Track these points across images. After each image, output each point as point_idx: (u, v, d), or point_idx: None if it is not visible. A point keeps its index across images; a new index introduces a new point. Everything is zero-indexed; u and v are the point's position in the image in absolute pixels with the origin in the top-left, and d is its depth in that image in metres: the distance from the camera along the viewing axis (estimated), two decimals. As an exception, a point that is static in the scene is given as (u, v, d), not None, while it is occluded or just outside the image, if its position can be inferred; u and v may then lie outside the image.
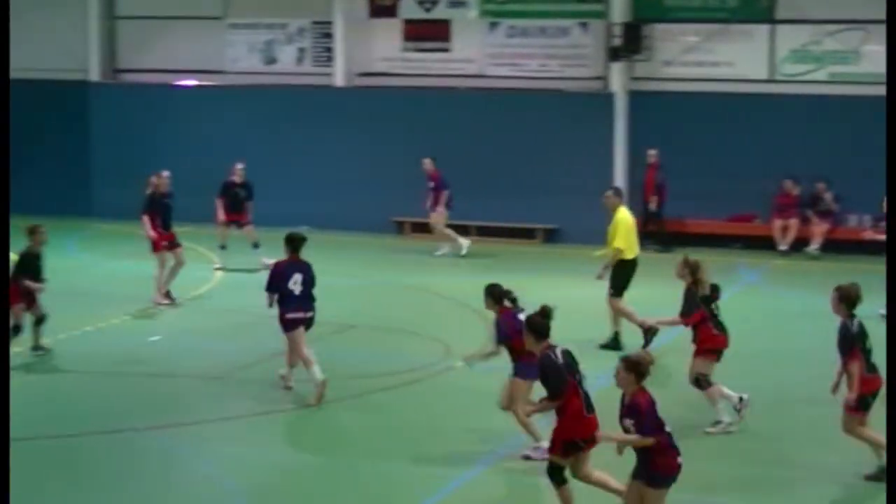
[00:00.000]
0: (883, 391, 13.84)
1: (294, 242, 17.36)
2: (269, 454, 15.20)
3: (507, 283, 14.95)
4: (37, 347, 19.35)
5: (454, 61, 32.10)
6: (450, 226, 28.74)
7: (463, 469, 14.44)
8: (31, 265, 19.27)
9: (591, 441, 12.19)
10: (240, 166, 26.82)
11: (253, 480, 14.25)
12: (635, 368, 11.21)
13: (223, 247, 26.55)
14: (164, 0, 34.02)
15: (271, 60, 33.34)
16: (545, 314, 12.71)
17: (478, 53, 32.00)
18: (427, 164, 28.49)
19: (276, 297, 16.94)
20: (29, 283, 19.02)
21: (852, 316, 13.85)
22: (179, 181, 27.25)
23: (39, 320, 19.26)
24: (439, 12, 31.95)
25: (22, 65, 34.05)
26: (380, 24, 32.45)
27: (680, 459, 11.35)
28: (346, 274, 25.48)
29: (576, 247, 28.75)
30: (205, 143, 32.39)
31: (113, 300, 23.34)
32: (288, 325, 16.95)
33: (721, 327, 15.95)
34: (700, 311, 15.84)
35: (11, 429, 15.81)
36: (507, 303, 14.50)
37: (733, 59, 29.85)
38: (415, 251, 28.92)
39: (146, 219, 23.44)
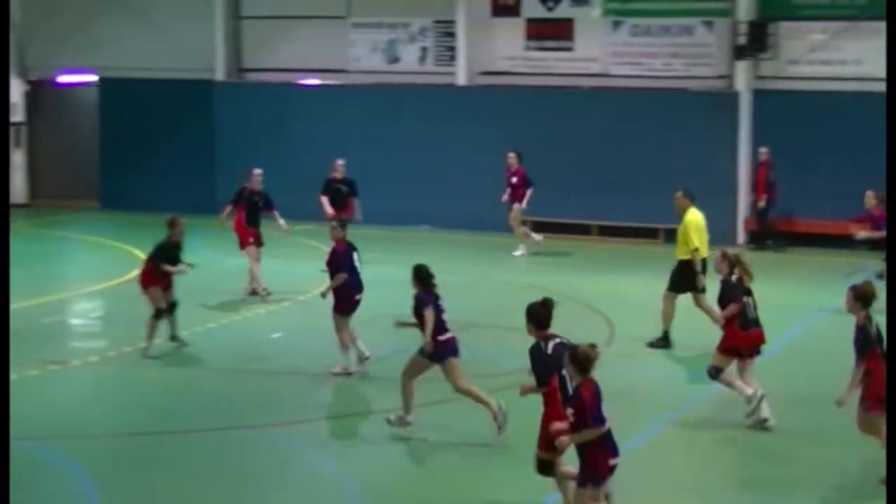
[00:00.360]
0: None
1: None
2: (386, 453, 15.19)
3: (625, 282, 14.82)
4: (174, 338, 19.70)
5: (577, 60, 31.95)
6: (570, 225, 28.61)
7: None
8: (170, 254, 19.61)
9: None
10: (340, 162, 26.72)
11: (369, 479, 14.24)
12: (579, 363, 11.32)
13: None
14: (288, 0, 34.29)
15: (394, 59, 33.44)
16: (546, 305, 12.82)
17: (600, 52, 31.82)
18: (511, 158, 28.36)
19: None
20: (167, 267, 19.34)
21: (869, 317, 13.75)
22: (301, 179, 27.53)
23: (171, 307, 19.54)
24: (562, 11, 31.82)
25: (150, 65, 34.61)
26: (502, 23, 32.41)
27: (614, 461, 11.36)
28: (465, 272, 25.46)
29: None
30: (327, 142, 32.55)
31: (235, 297, 23.55)
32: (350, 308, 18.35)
33: (749, 324, 15.91)
34: (731, 305, 15.88)
35: (136, 421, 16.17)
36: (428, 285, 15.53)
37: (861, 57, 29.35)
38: (538, 249, 28.78)
39: (234, 214, 23.88)
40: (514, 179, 28.36)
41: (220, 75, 34.55)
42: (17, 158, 36.79)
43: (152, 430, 15.90)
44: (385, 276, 21.87)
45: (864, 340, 13.64)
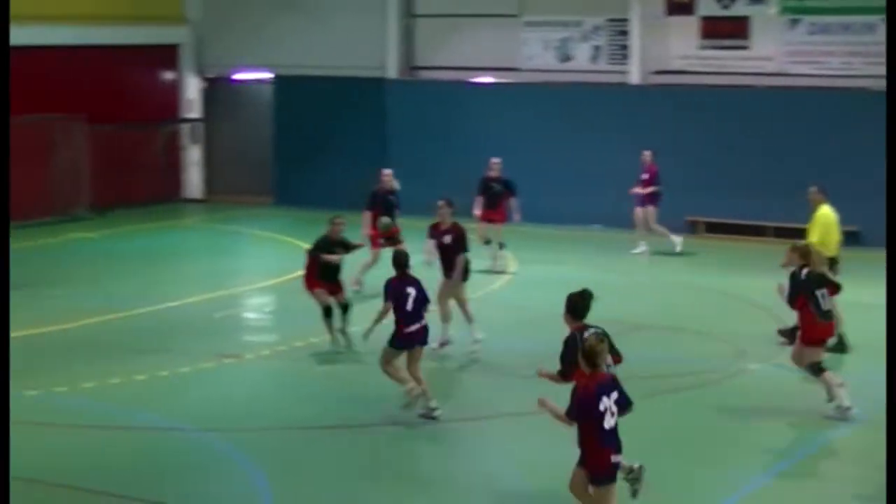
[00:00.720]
0: None
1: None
2: (552, 453, 15.07)
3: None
4: (342, 333, 19.88)
5: (752, 59, 31.44)
6: (745, 226, 28.15)
7: (749, 477, 14.08)
8: (328, 249, 19.75)
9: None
10: (495, 160, 26.55)
11: (533, 479, 14.16)
12: (587, 356, 11.32)
13: (487, 242, 26.12)
14: (461, -2, 34.42)
15: (566, 58, 33.28)
16: (584, 295, 12.87)
17: (777, 51, 31.27)
18: (646, 156, 27.97)
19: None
20: (326, 256, 19.53)
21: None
22: (472, 178, 27.48)
23: (345, 308, 19.68)
24: (738, 9, 31.34)
25: (323, 62, 34.94)
26: (676, 22, 32.03)
27: (615, 458, 11.28)
28: (636, 273, 25.23)
29: (876, 250, 27.77)
30: (498, 141, 32.53)
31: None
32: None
33: (823, 315, 16.04)
34: (801, 297, 16.03)
35: (306, 416, 16.29)
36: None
37: None
38: (707, 251, 28.43)
39: (368, 215, 23.81)
40: (646, 176, 27.98)
41: (392, 73, 34.73)
42: (194, 155, 37.45)
43: (321, 425, 16.00)
44: (564, 276, 21.75)
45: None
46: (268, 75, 36.32)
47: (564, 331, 15.31)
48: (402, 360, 16.08)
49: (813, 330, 16.02)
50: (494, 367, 18.67)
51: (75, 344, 19.91)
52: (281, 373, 18.58)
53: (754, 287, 23.52)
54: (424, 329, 16.15)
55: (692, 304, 23.57)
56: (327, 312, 19.43)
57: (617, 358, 12.79)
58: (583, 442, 11.35)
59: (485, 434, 15.83)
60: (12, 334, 20.21)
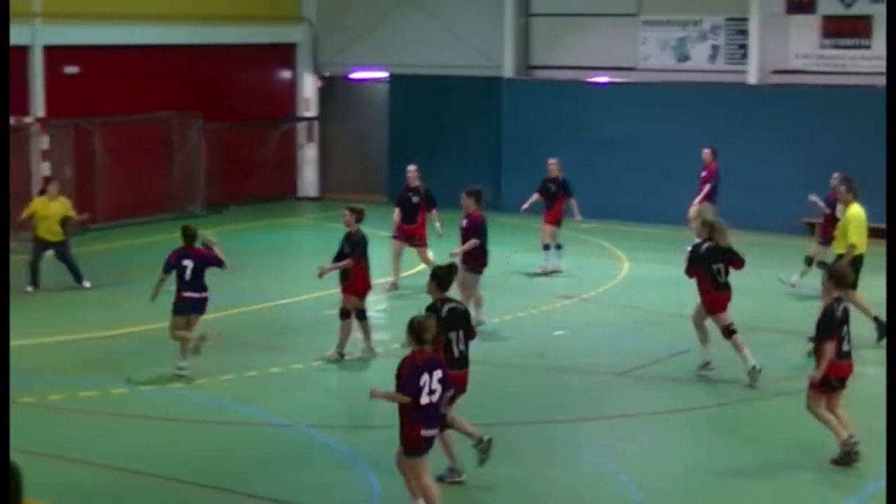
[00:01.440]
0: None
1: None
2: (666, 452, 14.93)
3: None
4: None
5: (874, 59, 30.87)
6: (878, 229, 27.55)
7: (871, 483, 13.79)
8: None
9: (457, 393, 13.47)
10: (552, 161, 26.28)
11: (649, 479, 14.01)
12: (415, 332, 11.98)
13: (546, 246, 25.75)
14: (578, -3, 34.23)
15: (684, 58, 32.94)
16: (451, 268, 13.95)
17: (900, 51, 30.67)
18: (706, 154, 27.52)
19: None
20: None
21: (838, 299, 14.17)
22: (588, 176, 27.35)
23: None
24: (860, 8, 30.80)
25: (439, 62, 34.95)
26: (797, 21, 31.57)
27: (426, 432, 11.84)
28: (752, 274, 24.87)
29: None
30: (614, 141, 32.38)
31: (520, 294, 23.55)
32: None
33: (718, 287, 17.38)
34: (695, 268, 17.41)
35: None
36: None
37: None
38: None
39: (396, 213, 24.06)
40: (704, 173, 27.54)
41: (508, 72, 34.63)
42: (310, 153, 37.65)
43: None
44: (675, 276, 21.53)
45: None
46: (383, 74, 36.41)
47: (675, 331, 15.15)
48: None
49: (711, 300, 17.41)
50: (605, 367, 18.51)
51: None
52: (390, 370, 18.51)
53: (867, 289, 23.09)
54: (204, 301, 18.06)
55: (800, 307, 23.20)
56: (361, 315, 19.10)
57: (470, 333, 13.82)
58: (400, 415, 11.93)
59: (591, 434, 15.67)
60: (132, 329, 20.56)
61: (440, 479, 13.50)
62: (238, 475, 13.87)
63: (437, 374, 11.90)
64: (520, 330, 20.81)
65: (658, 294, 23.30)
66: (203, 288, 18.13)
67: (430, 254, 23.76)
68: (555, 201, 25.67)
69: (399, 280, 23.89)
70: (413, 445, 11.97)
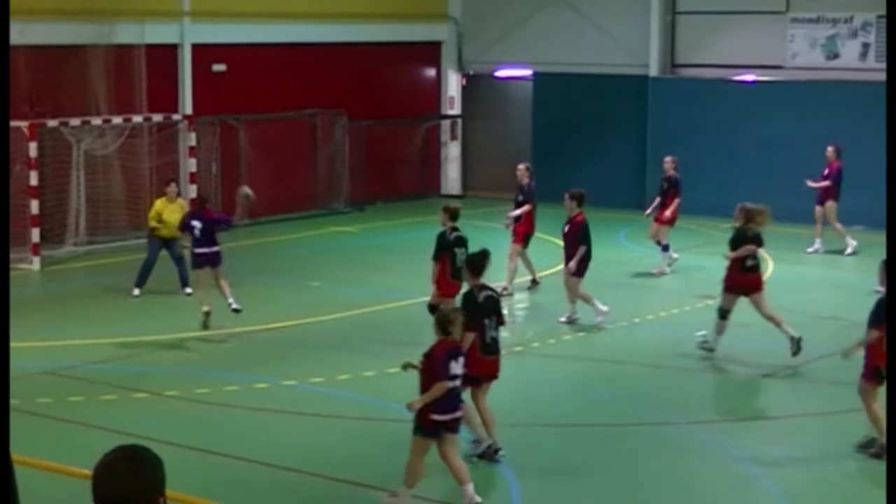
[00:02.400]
0: None
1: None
2: (813, 457, 14.70)
3: None
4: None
5: None
6: None
7: None
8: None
9: (486, 378, 13.96)
10: (667, 159, 25.90)
11: (794, 484, 13.81)
12: (440, 323, 12.51)
13: (665, 247, 25.43)
14: (725, -5, 33.87)
15: (833, 56, 32.40)
16: (483, 254, 14.28)
17: None
18: (829, 152, 26.88)
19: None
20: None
21: None
22: (730, 175, 27.03)
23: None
24: None
25: (584, 60, 34.84)
26: (950, 17, 30.86)
27: (438, 417, 12.25)
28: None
29: None
30: (760, 140, 32.00)
31: (663, 293, 23.37)
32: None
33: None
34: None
35: (558, 413, 16.24)
36: None
37: None
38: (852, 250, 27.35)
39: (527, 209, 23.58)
40: (826, 172, 26.94)
41: (653, 71, 34.39)
42: (453, 151, 37.76)
43: (574, 422, 15.91)
44: (821, 277, 21.23)
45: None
46: (528, 72, 36.37)
47: (821, 332, 14.91)
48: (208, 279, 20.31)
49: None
50: (749, 368, 18.30)
51: (332, 335, 20.24)
52: (533, 369, 18.53)
53: None
54: (215, 254, 20.41)
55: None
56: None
57: (500, 320, 14.11)
58: (421, 395, 12.36)
59: (734, 436, 15.49)
60: (276, 324, 20.80)
61: (480, 455, 14.09)
62: (377, 471, 13.93)
63: (461, 360, 12.56)
64: (661, 330, 20.66)
65: (804, 295, 22.97)
66: (214, 243, 20.48)
67: (519, 251, 23.32)
68: (667, 200, 25.41)
69: (537, 276, 23.60)
70: (424, 426, 12.45)
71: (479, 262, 14.20)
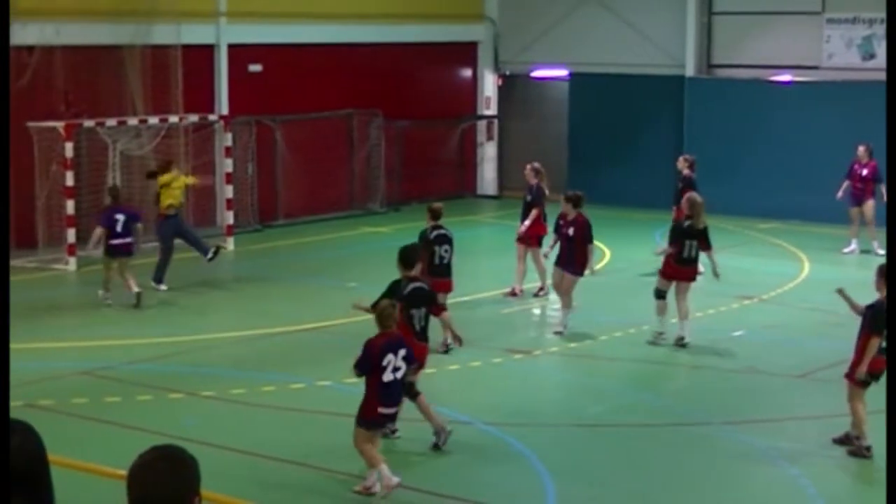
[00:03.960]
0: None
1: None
2: (844, 455, 14.62)
3: None
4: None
5: None
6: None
7: None
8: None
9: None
10: (681, 158, 25.65)
11: (830, 484, 13.76)
12: (378, 317, 13.18)
13: None
14: (761, -5, 33.74)
15: (869, 56, 32.22)
16: (414, 248, 15.39)
17: None
18: (861, 151, 26.68)
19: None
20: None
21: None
22: (767, 176, 26.93)
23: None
24: None
25: (620, 60, 34.77)
26: None
27: (384, 410, 12.96)
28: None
29: None
30: (797, 140, 31.85)
31: (699, 293, 23.25)
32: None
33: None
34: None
35: (594, 413, 16.22)
36: None
37: None
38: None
39: (535, 213, 23.24)
40: (864, 172, 26.72)
41: (689, 71, 34.28)
42: (489, 151, 37.74)
43: (610, 423, 15.88)
44: (851, 276, 21.09)
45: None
46: (564, 73, 36.32)
47: (853, 332, 14.84)
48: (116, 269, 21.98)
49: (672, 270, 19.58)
50: (785, 369, 18.23)
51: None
52: (571, 369, 18.52)
53: None
54: (130, 244, 22.16)
55: None
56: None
57: (434, 311, 15.07)
58: (365, 389, 13.02)
59: (771, 436, 15.43)
60: (312, 325, 20.82)
61: (435, 446, 14.47)
62: (412, 471, 13.93)
63: (402, 352, 13.03)
64: (697, 330, 20.58)
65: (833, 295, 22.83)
66: (129, 234, 22.15)
67: (534, 253, 23.08)
68: (681, 197, 25.24)
69: (545, 284, 23.04)
70: (368, 417, 13.03)
71: (410, 254, 15.02)
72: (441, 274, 19.15)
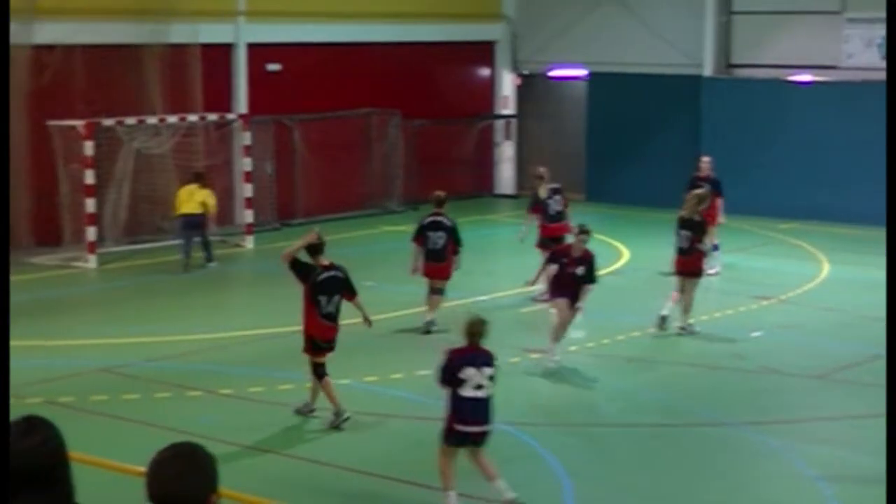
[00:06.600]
0: None
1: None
2: (865, 459, 14.59)
3: None
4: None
5: None
6: None
7: None
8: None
9: (322, 342, 15.62)
10: (705, 159, 25.63)
11: (847, 486, 13.73)
12: (464, 330, 12.72)
13: (715, 246, 25.07)
14: (781, -5, 33.67)
15: (889, 56, 32.14)
16: (321, 241, 15.66)
17: None
18: None
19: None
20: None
21: None
22: (785, 176, 26.84)
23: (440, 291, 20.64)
24: None
25: (638, 59, 34.74)
26: None
27: (460, 427, 12.40)
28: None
29: None
30: (815, 140, 31.79)
31: (718, 293, 23.27)
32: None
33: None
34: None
35: (613, 413, 16.24)
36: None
37: None
38: None
39: (532, 215, 23.28)
40: None
41: (707, 71, 34.23)
42: (507, 151, 37.74)
43: (628, 423, 15.88)
44: (873, 278, 21.09)
45: None
46: (582, 72, 36.29)
47: (875, 334, 14.82)
48: None
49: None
50: (803, 370, 18.21)
51: (385, 334, 20.26)
52: (589, 369, 18.51)
53: None
54: None
55: None
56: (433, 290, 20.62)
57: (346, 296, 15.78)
58: (448, 407, 12.56)
59: (787, 437, 15.41)
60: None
61: (299, 411, 15.68)
62: (430, 470, 13.95)
63: (487, 370, 12.54)
64: (716, 330, 20.57)
65: (858, 296, 22.82)
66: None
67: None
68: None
69: None
70: (445, 431, 12.64)
71: (318, 245, 15.60)
72: (433, 258, 20.39)
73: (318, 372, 15.61)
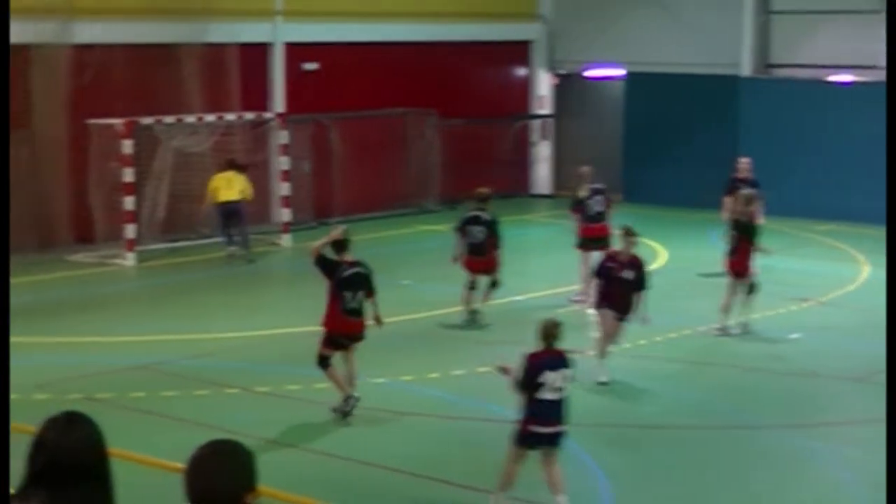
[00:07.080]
0: None
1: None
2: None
3: None
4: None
5: None
6: None
7: None
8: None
9: (350, 339, 15.87)
10: (744, 160, 25.51)
11: (879, 489, 13.62)
12: (539, 332, 12.58)
13: None
14: (820, -5, 33.51)
15: (929, 55, 31.89)
16: (347, 238, 15.99)
17: None
18: None
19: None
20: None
21: None
22: (825, 177, 26.69)
23: (493, 284, 20.96)
24: None
25: (675, 59, 34.64)
26: None
27: (536, 429, 12.25)
28: None
29: None
30: (855, 141, 31.61)
31: (760, 295, 23.15)
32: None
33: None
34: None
35: (649, 414, 16.19)
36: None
37: None
38: None
39: (573, 215, 23.09)
40: None
41: (745, 70, 34.10)
42: (544, 150, 37.70)
43: (666, 425, 15.84)
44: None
45: None
46: (620, 72, 36.21)
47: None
48: None
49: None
50: (842, 372, 18.12)
51: (422, 333, 20.28)
52: (624, 370, 18.45)
53: None
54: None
55: None
56: (471, 285, 20.81)
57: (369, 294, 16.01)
58: (523, 408, 12.41)
59: (826, 440, 15.33)
60: (366, 323, 20.84)
61: (334, 410, 15.58)
62: (463, 470, 13.94)
63: (566, 371, 12.48)
64: (754, 332, 20.49)
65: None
66: None
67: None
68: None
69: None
70: (522, 435, 12.46)
71: (343, 242, 15.89)
72: (475, 252, 20.77)
73: (324, 364, 15.78)
